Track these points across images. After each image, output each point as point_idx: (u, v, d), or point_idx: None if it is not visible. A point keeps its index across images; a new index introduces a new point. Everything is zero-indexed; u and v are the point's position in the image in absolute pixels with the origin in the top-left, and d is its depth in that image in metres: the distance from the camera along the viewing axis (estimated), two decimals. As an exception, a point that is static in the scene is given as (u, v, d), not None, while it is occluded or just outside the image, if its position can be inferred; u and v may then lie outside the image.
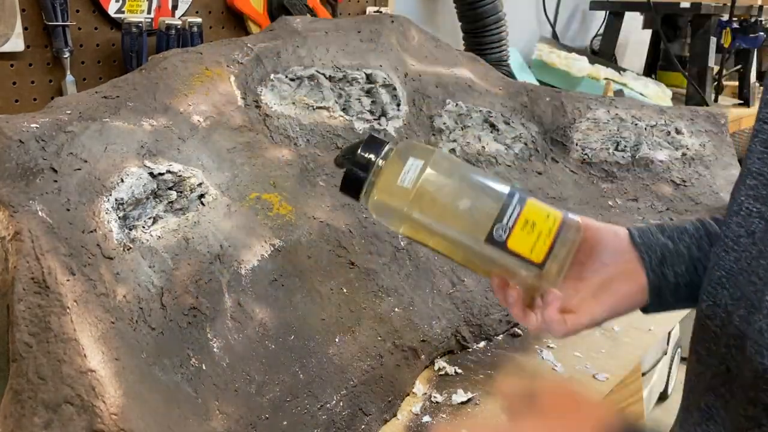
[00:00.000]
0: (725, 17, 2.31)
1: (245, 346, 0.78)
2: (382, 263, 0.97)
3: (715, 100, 2.42)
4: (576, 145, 1.34)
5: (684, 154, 1.46)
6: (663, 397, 2.47)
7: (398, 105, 1.09)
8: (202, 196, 0.83)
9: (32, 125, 0.72)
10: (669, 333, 2.39)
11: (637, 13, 2.53)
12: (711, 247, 0.63)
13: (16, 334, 0.61)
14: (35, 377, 0.60)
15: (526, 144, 1.29)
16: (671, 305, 0.66)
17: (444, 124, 1.17)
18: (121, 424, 0.62)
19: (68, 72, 1.22)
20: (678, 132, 1.46)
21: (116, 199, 0.73)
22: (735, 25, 2.34)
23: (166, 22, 1.28)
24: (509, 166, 1.24)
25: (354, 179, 0.62)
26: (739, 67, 2.53)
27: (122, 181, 0.74)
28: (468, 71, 1.25)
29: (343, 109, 1.03)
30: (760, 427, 0.52)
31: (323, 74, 1.02)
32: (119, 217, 0.73)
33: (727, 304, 0.56)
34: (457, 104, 1.19)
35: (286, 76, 0.98)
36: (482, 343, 1.05)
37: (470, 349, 1.03)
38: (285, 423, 0.76)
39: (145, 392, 0.67)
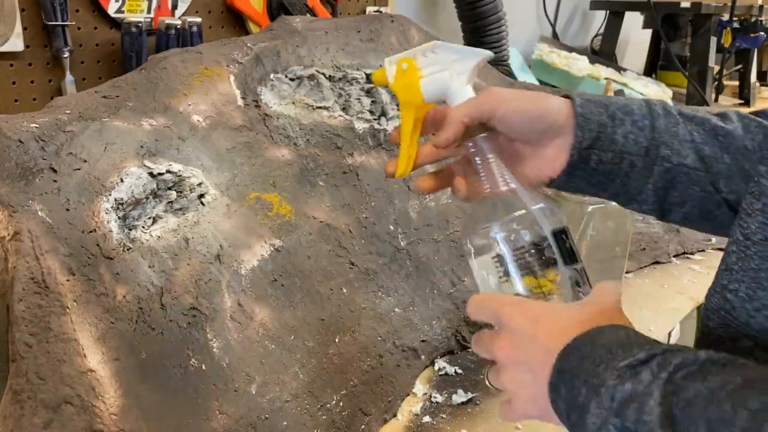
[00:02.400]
0: (725, 17, 2.31)
1: (245, 347, 0.78)
2: (382, 263, 0.97)
3: (716, 100, 2.43)
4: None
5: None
6: (663, 397, 2.46)
7: (398, 104, 1.08)
8: (201, 195, 0.82)
9: (32, 125, 0.72)
10: (669, 333, 2.39)
11: (637, 13, 2.53)
12: (649, 140, 0.62)
13: (15, 334, 0.61)
14: (35, 377, 0.60)
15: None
16: (573, 188, 0.65)
17: (444, 123, 1.16)
18: (121, 424, 0.62)
19: (68, 72, 1.22)
20: (678, 132, 1.46)
21: (116, 199, 0.73)
22: (735, 25, 2.34)
23: (166, 21, 1.28)
24: (509, 165, 1.24)
25: None
26: (739, 66, 2.53)
27: (122, 180, 0.74)
28: (468, 71, 1.24)
29: (343, 109, 1.03)
30: None
31: (323, 74, 1.02)
32: (119, 217, 0.73)
33: None
34: (457, 104, 1.19)
35: (286, 76, 0.98)
36: (482, 343, 1.05)
37: (470, 349, 1.03)
38: (285, 423, 0.76)
39: (145, 392, 0.67)
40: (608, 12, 2.50)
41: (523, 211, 0.59)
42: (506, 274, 0.58)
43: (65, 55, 1.20)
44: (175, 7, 1.35)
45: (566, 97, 0.63)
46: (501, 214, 0.59)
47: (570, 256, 0.59)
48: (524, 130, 0.62)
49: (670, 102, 0.65)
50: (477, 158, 0.63)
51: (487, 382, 0.59)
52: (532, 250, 0.58)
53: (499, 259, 0.59)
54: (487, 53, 0.63)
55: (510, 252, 0.58)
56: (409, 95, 0.66)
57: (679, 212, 0.64)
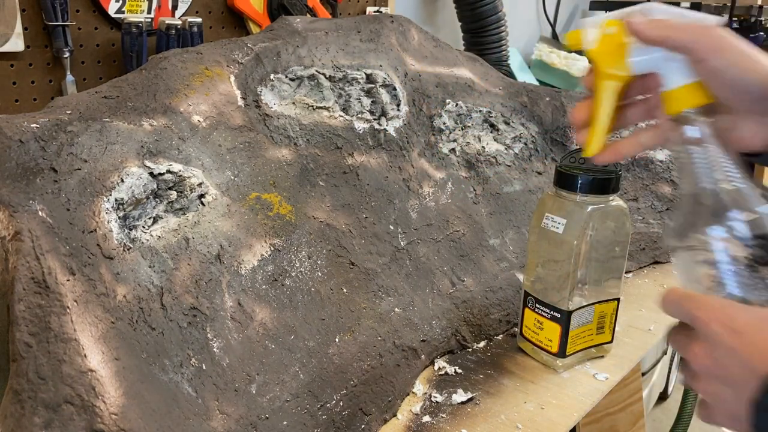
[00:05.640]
0: (725, 17, 2.31)
1: (245, 346, 0.78)
2: (382, 263, 0.97)
3: (715, 100, 2.43)
4: (576, 145, 1.34)
5: (684, 154, 1.45)
6: (663, 397, 2.47)
7: (398, 105, 1.09)
8: (202, 196, 0.83)
9: (32, 125, 0.72)
10: (669, 333, 2.39)
11: (637, 13, 2.53)
12: None
13: (16, 334, 0.61)
14: (35, 377, 0.60)
15: (526, 144, 1.29)
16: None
17: (444, 124, 1.17)
18: (121, 424, 0.62)
19: (68, 72, 1.22)
20: (678, 132, 1.46)
21: (116, 199, 0.73)
22: (735, 25, 2.34)
23: (166, 22, 1.28)
24: (509, 166, 1.24)
25: None
26: (739, 67, 2.52)
27: (122, 181, 0.74)
28: (468, 71, 1.25)
29: (343, 109, 1.03)
30: None
31: (323, 74, 1.02)
32: (119, 217, 0.73)
33: None
34: (457, 104, 1.19)
35: (286, 76, 0.98)
36: (482, 343, 1.05)
37: (470, 349, 1.04)
38: (285, 423, 0.76)
39: (145, 392, 0.67)
40: (608, 12, 2.50)
41: (753, 214, 0.53)
42: (724, 280, 0.53)
43: (66, 56, 1.21)
44: (175, 7, 1.35)
45: None
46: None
47: None
48: (736, 98, 0.56)
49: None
50: (694, 146, 0.55)
51: (680, 380, 0.54)
52: (759, 258, 0.52)
53: (718, 264, 0.53)
54: (715, 19, 0.56)
55: (731, 258, 0.53)
56: (613, 64, 0.58)
57: None
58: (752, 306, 0.50)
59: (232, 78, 0.93)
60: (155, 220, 0.78)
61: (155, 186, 0.78)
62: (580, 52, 2.21)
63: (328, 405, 0.81)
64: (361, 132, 1.03)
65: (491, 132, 1.25)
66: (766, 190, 0.55)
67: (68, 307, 0.64)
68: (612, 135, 0.63)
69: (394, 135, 1.07)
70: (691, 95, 0.56)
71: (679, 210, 0.57)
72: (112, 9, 1.26)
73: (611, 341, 1.02)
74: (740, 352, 0.47)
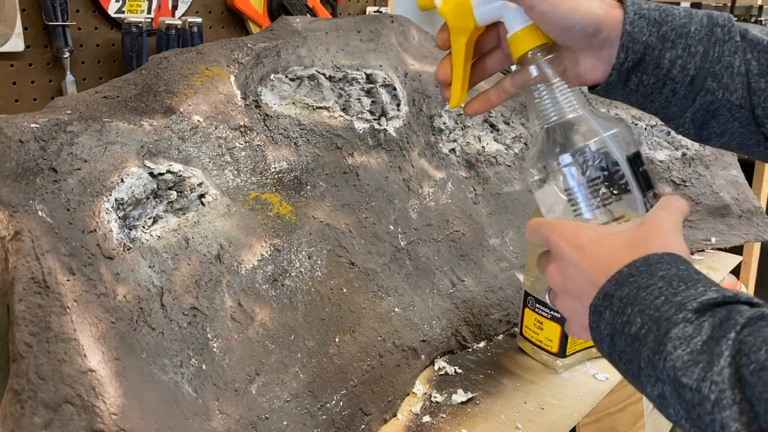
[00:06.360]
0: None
1: (245, 346, 0.78)
2: (382, 263, 0.97)
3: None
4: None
5: (684, 154, 1.46)
6: (663, 397, 2.47)
7: (398, 105, 1.09)
8: (202, 196, 0.83)
9: (32, 125, 0.72)
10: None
11: (637, 13, 2.53)
12: (698, 69, 0.57)
13: (16, 333, 0.61)
14: (35, 377, 0.60)
15: (526, 144, 1.29)
16: (613, 98, 0.63)
17: (444, 124, 1.17)
18: (121, 424, 0.62)
19: (68, 72, 1.22)
20: (678, 132, 1.46)
21: (116, 199, 0.73)
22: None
23: (166, 22, 1.28)
24: (509, 166, 1.24)
25: None
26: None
27: (122, 181, 0.74)
28: (468, 71, 1.25)
29: (343, 109, 1.03)
30: None
31: (323, 74, 1.02)
32: (119, 217, 0.73)
33: None
34: (457, 104, 1.19)
35: (286, 76, 0.98)
36: (482, 343, 1.05)
37: (470, 349, 1.04)
38: (285, 423, 0.76)
39: (145, 392, 0.67)
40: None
41: (596, 138, 0.56)
42: (576, 204, 0.57)
43: (66, 56, 1.21)
44: (175, 7, 1.36)
45: (621, 1, 0.59)
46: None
47: (645, 183, 0.56)
48: (567, 37, 0.59)
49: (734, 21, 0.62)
50: (541, 85, 0.60)
51: (547, 300, 0.59)
52: (605, 178, 0.56)
53: (569, 189, 0.57)
54: None
55: (580, 182, 0.56)
56: (460, 20, 0.62)
57: (717, 141, 0.62)
58: (595, 225, 0.55)
59: (232, 78, 0.93)
60: (155, 220, 0.78)
61: (155, 186, 0.78)
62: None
63: (328, 405, 0.81)
64: (361, 132, 1.03)
65: (491, 132, 1.25)
66: (607, 116, 0.59)
67: (68, 307, 0.64)
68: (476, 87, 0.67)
69: (394, 135, 1.07)
70: (530, 37, 0.60)
71: (533, 146, 0.61)
72: (112, 9, 1.26)
73: (611, 341, 1.02)
74: (583, 266, 0.52)
